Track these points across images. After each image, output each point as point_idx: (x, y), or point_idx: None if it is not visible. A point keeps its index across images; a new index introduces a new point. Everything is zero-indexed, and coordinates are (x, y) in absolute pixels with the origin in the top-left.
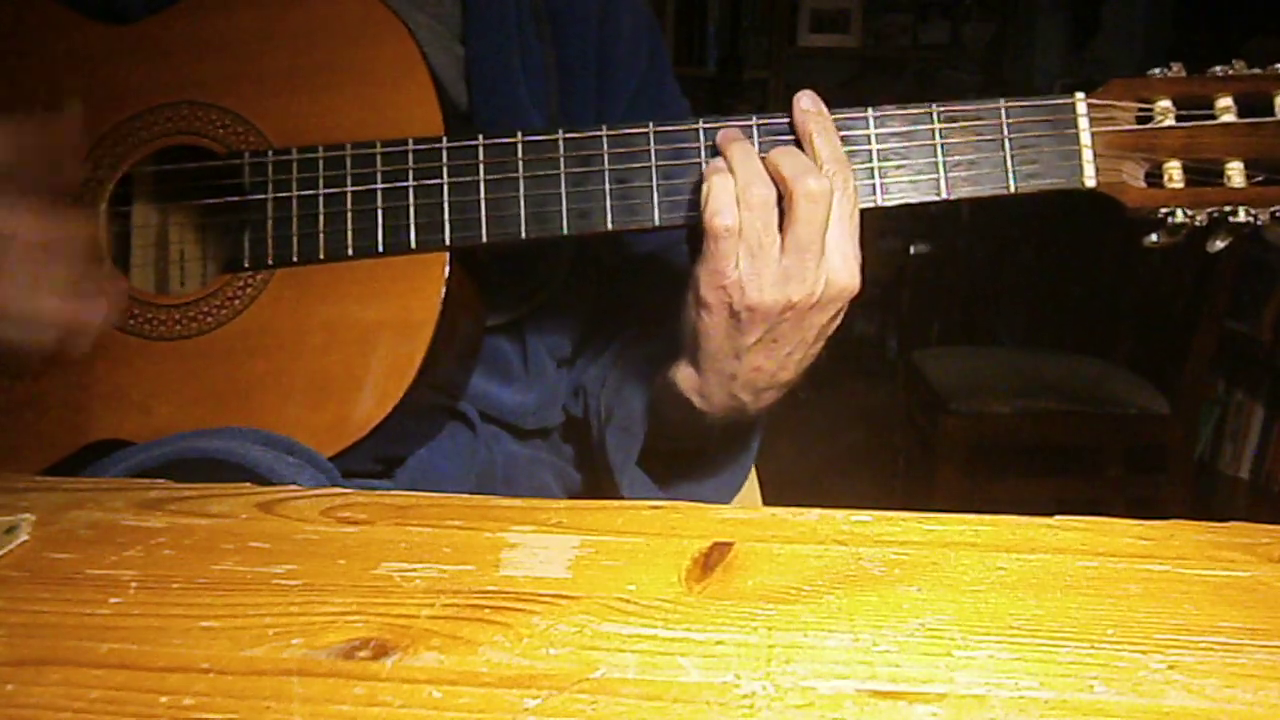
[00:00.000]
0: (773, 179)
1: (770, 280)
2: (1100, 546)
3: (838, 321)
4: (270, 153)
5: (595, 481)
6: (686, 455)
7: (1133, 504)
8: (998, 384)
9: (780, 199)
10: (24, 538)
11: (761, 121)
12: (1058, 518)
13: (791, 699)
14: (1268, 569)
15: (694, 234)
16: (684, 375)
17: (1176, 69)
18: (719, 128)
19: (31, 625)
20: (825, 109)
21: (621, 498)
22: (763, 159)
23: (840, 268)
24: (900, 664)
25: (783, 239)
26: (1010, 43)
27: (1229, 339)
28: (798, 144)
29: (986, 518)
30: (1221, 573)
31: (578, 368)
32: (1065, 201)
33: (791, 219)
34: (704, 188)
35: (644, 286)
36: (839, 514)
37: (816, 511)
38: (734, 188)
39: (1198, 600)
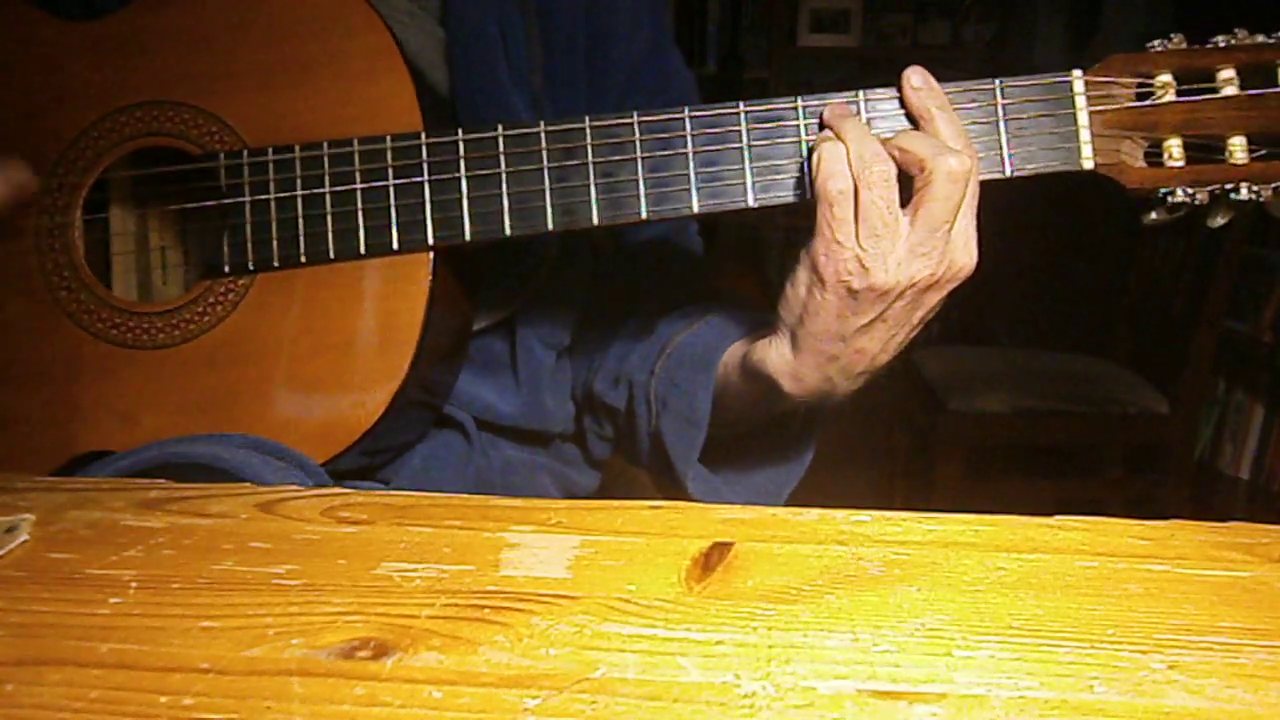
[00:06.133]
0: (900, 160)
1: (896, 259)
2: (1100, 546)
3: (941, 305)
4: (245, 153)
5: (607, 483)
6: (741, 449)
7: (1133, 504)
8: (998, 384)
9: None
10: (24, 538)
11: (870, 98)
12: (1058, 518)
13: (791, 699)
14: (1268, 569)
15: (805, 208)
16: (776, 355)
17: (1177, 40)
18: (706, 115)
19: (31, 625)
20: (937, 84)
21: (666, 492)
22: (884, 140)
23: (962, 248)
24: (900, 664)
25: (914, 216)
26: (1010, 43)
27: (1229, 339)
28: (910, 121)
29: (986, 518)
30: (1221, 573)
31: (614, 356)
32: (1065, 200)
33: (928, 196)
34: (814, 155)
35: (663, 271)
36: (839, 514)
37: (816, 511)
38: (846, 154)
39: (1198, 600)
